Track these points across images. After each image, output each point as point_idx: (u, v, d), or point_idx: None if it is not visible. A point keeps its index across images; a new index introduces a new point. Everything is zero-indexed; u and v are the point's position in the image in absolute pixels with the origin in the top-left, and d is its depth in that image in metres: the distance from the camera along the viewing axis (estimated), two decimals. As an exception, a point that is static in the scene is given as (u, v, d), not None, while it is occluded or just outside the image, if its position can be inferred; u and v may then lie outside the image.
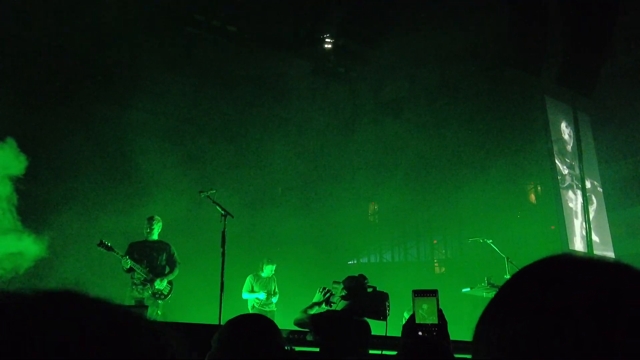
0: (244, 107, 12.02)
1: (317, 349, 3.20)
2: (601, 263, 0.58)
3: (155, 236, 7.19)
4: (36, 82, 9.46)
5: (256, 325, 2.16)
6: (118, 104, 10.68)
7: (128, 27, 10.24)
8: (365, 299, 4.00)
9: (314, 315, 3.67)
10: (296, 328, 3.97)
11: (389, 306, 3.96)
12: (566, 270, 0.57)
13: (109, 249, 6.62)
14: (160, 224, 7.27)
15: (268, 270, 8.39)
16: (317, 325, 3.27)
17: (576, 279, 0.55)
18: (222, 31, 10.33)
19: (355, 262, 14.85)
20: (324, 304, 4.08)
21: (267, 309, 8.18)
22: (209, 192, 6.22)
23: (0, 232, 6.19)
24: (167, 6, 10.20)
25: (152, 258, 7.02)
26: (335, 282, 4.19)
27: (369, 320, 3.54)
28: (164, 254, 7.15)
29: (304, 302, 4.19)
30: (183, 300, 7.90)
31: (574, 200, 12.35)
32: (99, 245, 6.58)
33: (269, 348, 2.08)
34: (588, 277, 0.55)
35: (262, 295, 8.26)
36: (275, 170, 13.03)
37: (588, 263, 0.58)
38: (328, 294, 4.09)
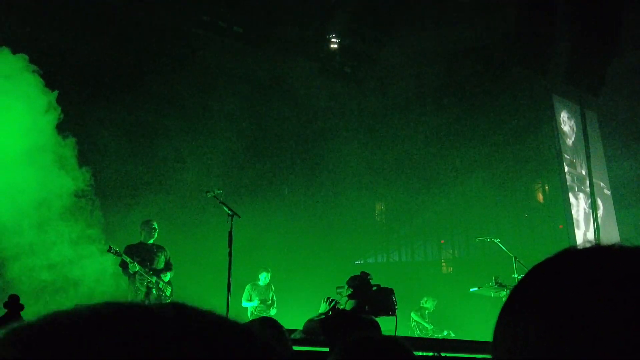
0: (248, 107, 12.02)
1: (328, 349, 3.21)
2: (625, 250, 0.54)
3: (153, 240, 7.17)
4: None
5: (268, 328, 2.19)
6: (121, 105, 10.70)
7: (133, 28, 10.26)
8: (371, 296, 4.00)
9: (323, 318, 3.68)
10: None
11: (395, 300, 3.95)
12: (594, 261, 0.53)
13: (118, 254, 6.63)
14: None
15: (263, 277, 8.43)
16: (327, 326, 3.28)
17: (606, 268, 0.52)
18: (228, 32, 10.34)
19: (362, 262, 14.82)
20: (330, 314, 4.08)
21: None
22: (216, 192, 6.14)
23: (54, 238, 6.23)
24: (173, 8, 10.22)
25: (152, 259, 7.00)
26: (338, 287, 4.19)
27: (378, 320, 3.54)
28: (163, 257, 7.14)
29: (309, 301, 4.19)
30: (188, 300, 7.87)
31: (575, 206, 12.08)
32: (108, 251, 6.57)
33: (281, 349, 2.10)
34: (619, 265, 0.52)
35: (255, 303, 8.30)
36: (281, 171, 13.05)
37: (614, 252, 0.54)
38: (333, 303, 4.09)
